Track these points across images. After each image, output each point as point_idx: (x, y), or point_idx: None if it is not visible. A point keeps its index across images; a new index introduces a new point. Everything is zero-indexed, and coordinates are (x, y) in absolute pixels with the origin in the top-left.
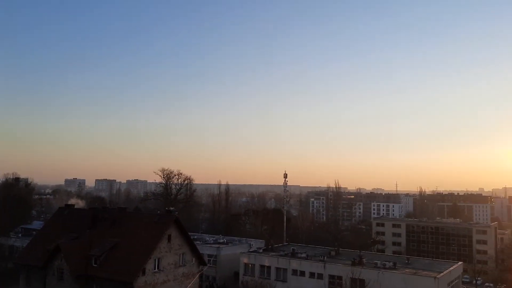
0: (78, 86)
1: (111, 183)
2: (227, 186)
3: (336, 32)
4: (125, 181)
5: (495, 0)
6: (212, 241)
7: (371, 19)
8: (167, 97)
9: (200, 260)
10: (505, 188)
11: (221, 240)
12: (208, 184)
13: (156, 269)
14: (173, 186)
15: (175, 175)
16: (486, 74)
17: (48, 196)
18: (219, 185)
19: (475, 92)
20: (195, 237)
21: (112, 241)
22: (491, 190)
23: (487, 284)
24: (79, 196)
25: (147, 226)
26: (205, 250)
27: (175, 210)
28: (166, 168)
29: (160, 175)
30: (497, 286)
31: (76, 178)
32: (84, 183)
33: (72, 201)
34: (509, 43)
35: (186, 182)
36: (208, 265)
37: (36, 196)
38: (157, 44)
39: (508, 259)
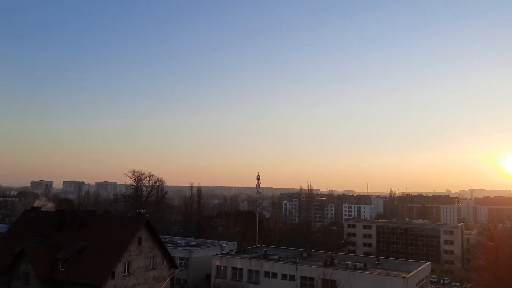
0: (45, 87)
1: (79, 185)
2: (199, 188)
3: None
4: (94, 183)
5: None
6: (183, 244)
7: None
8: (138, 99)
9: (171, 263)
10: (471, 189)
11: (193, 243)
12: (180, 186)
13: (126, 273)
14: (144, 188)
15: (146, 177)
16: (454, 79)
17: (13, 198)
18: (191, 187)
19: (443, 97)
20: (166, 239)
21: (80, 244)
22: (458, 191)
23: (453, 283)
24: (43, 196)
25: (117, 228)
26: (176, 253)
27: (145, 213)
28: (137, 170)
29: (130, 177)
30: (463, 285)
31: (43, 180)
32: (51, 185)
33: (41, 202)
34: (480, 49)
35: (157, 184)
36: (180, 268)
37: (1, 198)
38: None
39: (474, 259)
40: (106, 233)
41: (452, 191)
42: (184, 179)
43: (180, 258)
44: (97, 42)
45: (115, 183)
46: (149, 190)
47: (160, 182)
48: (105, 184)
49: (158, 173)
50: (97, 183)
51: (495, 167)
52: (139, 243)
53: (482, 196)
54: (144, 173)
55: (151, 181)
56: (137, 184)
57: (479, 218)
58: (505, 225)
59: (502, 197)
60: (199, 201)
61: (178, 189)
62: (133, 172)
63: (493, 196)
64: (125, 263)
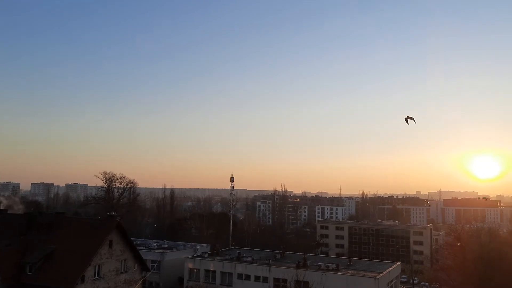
0: (7, 85)
1: (48, 187)
2: (172, 190)
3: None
4: (64, 185)
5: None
6: (156, 247)
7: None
8: (109, 98)
9: (143, 266)
10: (440, 191)
11: (165, 245)
12: (153, 188)
13: (96, 276)
14: (116, 190)
15: (117, 179)
16: (423, 83)
17: None
18: (164, 189)
19: (413, 101)
20: (138, 242)
21: (48, 247)
22: (427, 193)
23: (423, 283)
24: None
25: (87, 231)
26: (148, 256)
27: (117, 215)
28: (108, 172)
29: (101, 179)
30: (432, 285)
31: (9, 182)
32: (19, 187)
33: (10, 201)
34: (450, 53)
35: (129, 186)
36: (152, 271)
37: None
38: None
39: (442, 259)
40: (76, 236)
41: (422, 193)
42: (157, 181)
43: (152, 261)
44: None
45: (85, 185)
46: (120, 192)
47: (132, 184)
48: (75, 186)
49: (130, 175)
50: (67, 185)
51: (462, 170)
52: (110, 246)
53: (450, 198)
54: (115, 175)
55: (122, 183)
56: (108, 186)
57: (447, 219)
58: (471, 226)
59: (469, 199)
60: (172, 203)
61: (151, 191)
62: (104, 173)
63: (460, 198)
64: (95, 266)
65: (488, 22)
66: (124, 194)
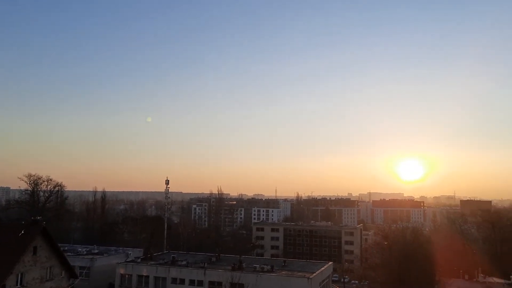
0: None
1: None
2: (104, 193)
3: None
4: None
5: None
6: (85, 252)
7: None
8: (30, 94)
9: (71, 272)
10: (369, 193)
11: (96, 251)
12: (82, 191)
13: (19, 285)
14: (42, 193)
15: (43, 181)
16: (355, 86)
17: None
18: (95, 192)
19: (344, 105)
20: (66, 248)
21: None
22: (358, 195)
23: (353, 281)
24: None
25: (9, 237)
26: (77, 262)
27: (42, 220)
28: (34, 174)
29: (25, 181)
30: (361, 283)
31: None
32: None
33: None
34: (389, 58)
35: (56, 188)
36: (80, 277)
37: None
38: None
39: (371, 258)
40: None
41: (353, 195)
42: (87, 184)
43: (81, 267)
44: None
45: (7, 188)
46: (47, 195)
47: (59, 187)
48: None
49: (58, 177)
50: None
51: (390, 172)
52: (34, 253)
53: (379, 199)
54: (41, 177)
55: (49, 186)
56: (33, 189)
57: (376, 219)
58: (397, 226)
59: (396, 200)
60: (103, 207)
61: (80, 194)
62: (29, 176)
63: (388, 199)
64: (17, 274)
65: (417, 34)
66: (51, 197)
